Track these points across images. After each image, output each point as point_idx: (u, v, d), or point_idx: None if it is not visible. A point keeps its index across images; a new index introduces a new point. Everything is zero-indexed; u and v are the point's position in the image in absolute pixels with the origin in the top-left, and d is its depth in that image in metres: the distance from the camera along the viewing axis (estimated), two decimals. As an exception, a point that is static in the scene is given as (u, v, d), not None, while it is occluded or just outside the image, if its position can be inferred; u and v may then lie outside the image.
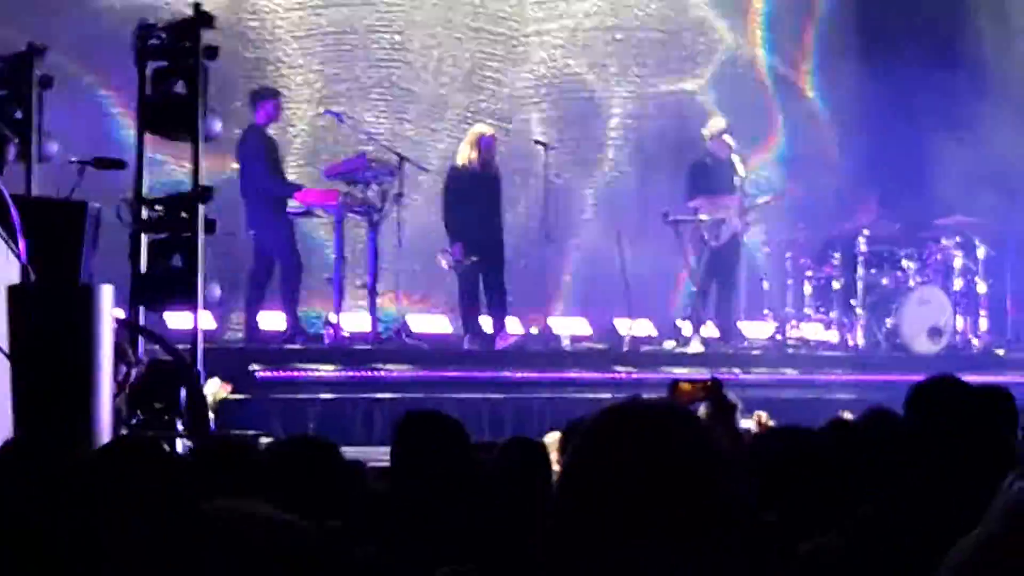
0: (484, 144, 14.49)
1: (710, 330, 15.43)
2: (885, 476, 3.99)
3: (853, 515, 3.67)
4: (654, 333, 15.95)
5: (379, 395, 12.80)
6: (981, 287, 16.50)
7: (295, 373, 12.88)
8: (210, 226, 10.24)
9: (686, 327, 15.36)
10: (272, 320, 14.03)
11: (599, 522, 2.26)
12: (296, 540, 2.25)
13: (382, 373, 13.23)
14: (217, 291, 10.73)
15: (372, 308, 14.09)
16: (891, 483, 3.81)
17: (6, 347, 7.19)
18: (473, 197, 14.34)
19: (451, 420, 5.29)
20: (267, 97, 14.01)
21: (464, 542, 4.38)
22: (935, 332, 15.61)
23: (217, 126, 10.52)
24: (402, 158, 14.19)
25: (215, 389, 10.92)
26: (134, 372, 9.46)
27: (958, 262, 16.37)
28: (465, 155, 14.50)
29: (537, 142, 14.85)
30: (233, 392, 11.61)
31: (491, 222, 14.45)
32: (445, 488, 4.76)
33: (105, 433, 7.51)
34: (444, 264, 14.51)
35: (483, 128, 14.78)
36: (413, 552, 4.27)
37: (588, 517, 2.28)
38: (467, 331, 14.47)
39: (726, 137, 15.41)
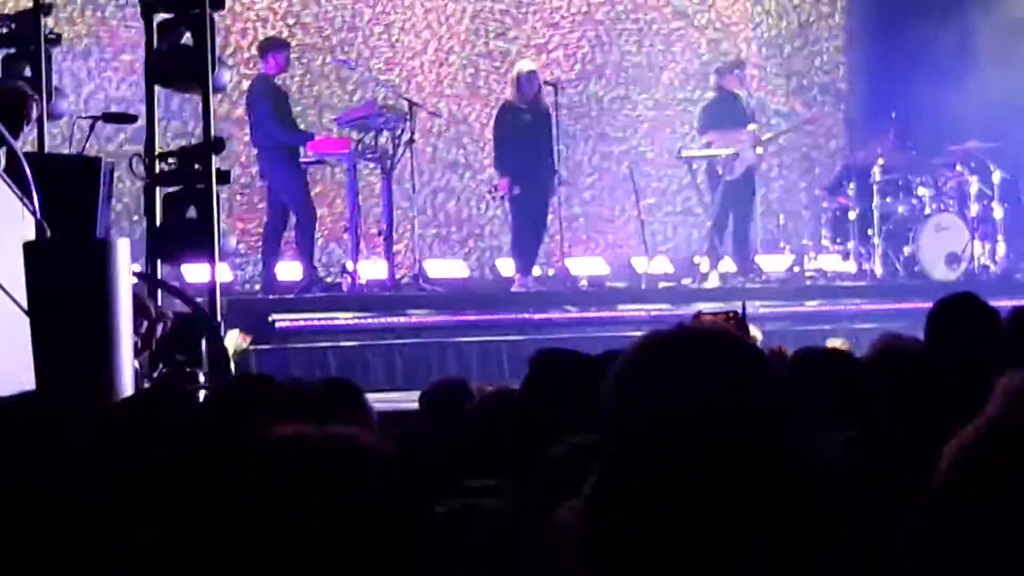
0: (522, 80, 14.47)
1: (728, 265, 15.40)
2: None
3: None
4: (671, 270, 15.92)
5: (398, 341, 12.81)
6: (998, 212, 16.43)
7: (314, 322, 12.88)
8: (223, 177, 10.23)
9: (703, 263, 15.33)
10: (289, 270, 14.01)
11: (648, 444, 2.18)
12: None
13: (400, 320, 13.23)
14: (232, 242, 10.72)
15: (388, 255, 14.08)
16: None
17: (24, 304, 7.18)
18: (519, 133, 14.32)
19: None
20: (276, 47, 13.93)
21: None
22: (953, 258, 15.57)
23: (226, 76, 10.48)
24: (412, 104, 14.15)
25: (235, 340, 10.93)
26: (159, 327, 9.45)
27: (973, 188, 16.31)
28: (513, 92, 14.51)
29: (545, 83, 14.78)
30: (253, 343, 11.62)
31: (539, 158, 14.41)
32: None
33: (127, 387, 7.51)
34: (490, 198, 14.55)
35: (523, 64, 14.73)
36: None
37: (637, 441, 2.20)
38: (521, 271, 14.50)
39: (738, 71, 15.35)
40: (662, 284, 15.30)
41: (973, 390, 3.65)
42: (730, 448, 2.11)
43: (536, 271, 14.77)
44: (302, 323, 12.78)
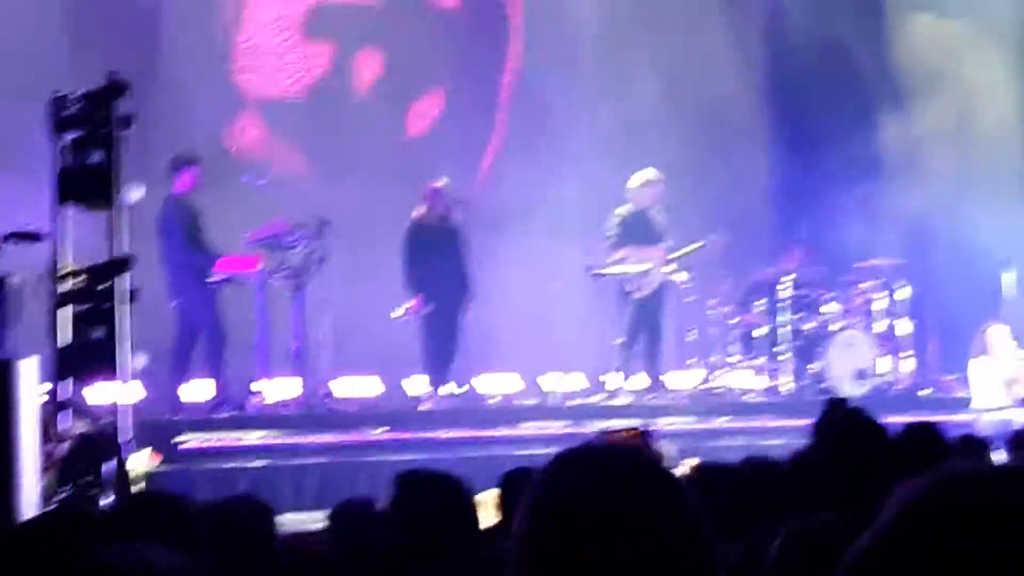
0: (431, 196, 14.53)
1: (638, 381, 15.44)
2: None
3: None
4: (581, 387, 15.94)
5: (307, 461, 12.71)
6: (904, 328, 16.62)
7: (222, 442, 12.75)
8: (133, 295, 10.17)
9: (613, 380, 15.36)
10: (198, 390, 13.89)
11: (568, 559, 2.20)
12: None
13: (310, 439, 13.12)
14: (143, 360, 10.63)
15: (299, 373, 14.01)
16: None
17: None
18: (430, 250, 14.37)
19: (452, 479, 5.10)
20: (186, 164, 13.87)
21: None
22: (861, 375, 15.71)
23: (134, 195, 10.44)
24: (324, 221, 14.14)
25: (144, 460, 10.80)
26: (61, 447, 9.34)
27: (880, 304, 16.50)
28: (423, 210, 14.56)
29: (456, 200, 14.83)
30: (162, 463, 11.49)
31: (450, 275, 14.46)
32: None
33: (31, 508, 7.40)
34: (402, 317, 14.54)
35: (439, 182, 14.79)
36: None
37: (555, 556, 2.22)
38: (434, 385, 14.51)
39: (651, 187, 15.45)
40: (572, 401, 15.31)
41: (854, 499, 3.68)
42: (644, 563, 2.13)
43: (446, 389, 14.74)
44: (209, 444, 12.65)
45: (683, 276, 15.82)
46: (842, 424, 3.95)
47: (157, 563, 2.14)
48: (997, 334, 14.99)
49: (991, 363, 14.85)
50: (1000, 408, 14.48)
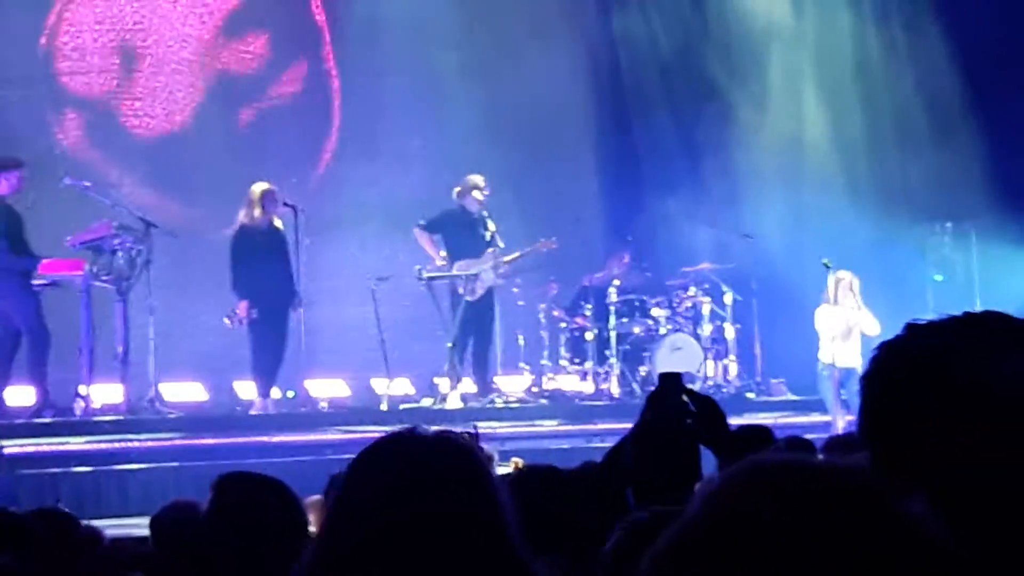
0: (267, 201, 14.43)
1: (467, 385, 15.46)
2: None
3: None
4: (412, 391, 15.93)
5: (133, 466, 12.53)
6: (730, 332, 16.84)
7: (45, 448, 12.52)
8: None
9: (443, 383, 15.36)
10: (21, 394, 13.64)
11: (368, 552, 2.18)
12: None
13: (136, 444, 12.95)
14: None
15: (125, 378, 13.82)
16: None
17: None
18: (257, 255, 14.24)
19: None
20: (9, 167, 13.61)
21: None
22: (688, 378, 15.82)
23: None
24: (148, 224, 13.96)
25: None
26: None
27: (706, 308, 16.71)
28: (249, 214, 14.40)
29: (286, 204, 14.72)
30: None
31: (278, 280, 14.36)
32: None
33: None
34: (228, 323, 14.38)
35: (264, 185, 14.63)
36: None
37: (357, 547, 2.20)
38: (261, 394, 14.40)
39: (476, 193, 15.47)
40: (403, 405, 15.29)
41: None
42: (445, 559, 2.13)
43: (276, 393, 14.64)
44: (32, 449, 12.41)
45: (510, 280, 15.89)
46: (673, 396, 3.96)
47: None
48: (846, 283, 15.22)
49: (837, 312, 15.06)
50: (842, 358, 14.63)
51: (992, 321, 1.96)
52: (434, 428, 2.57)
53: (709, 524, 1.51)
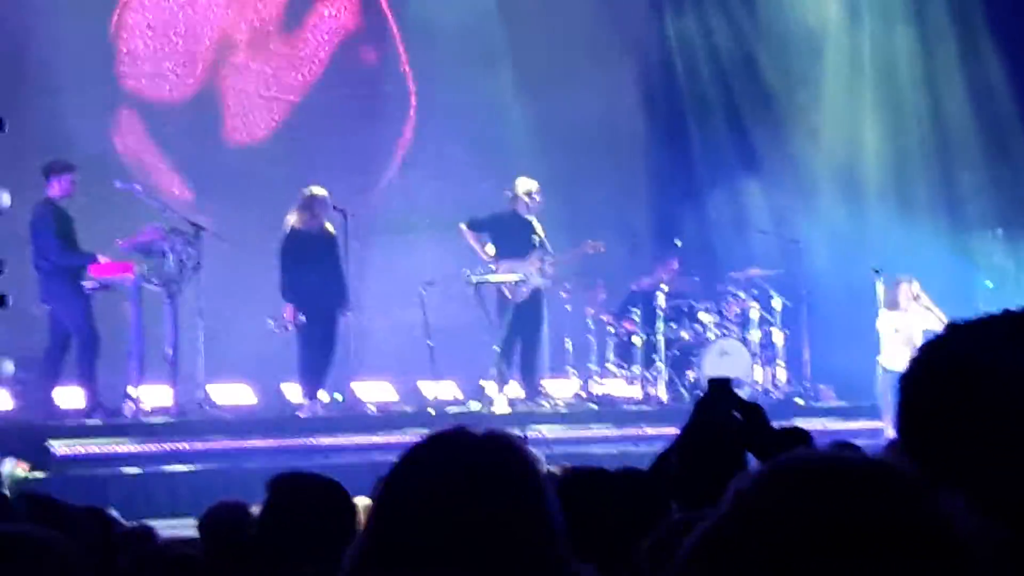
0: (320, 205, 14.47)
1: (515, 389, 15.45)
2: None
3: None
4: (459, 395, 15.92)
5: (182, 468, 12.59)
6: (778, 338, 16.78)
7: (95, 449, 12.59)
8: (2, 301, 10.00)
9: (490, 387, 15.37)
10: (72, 396, 13.71)
11: (414, 550, 2.18)
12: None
13: (185, 446, 13.00)
14: (9, 367, 10.47)
15: (174, 380, 13.88)
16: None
17: None
18: (306, 259, 14.29)
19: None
20: (60, 170, 13.68)
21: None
22: (736, 384, 15.78)
23: (2, 200, 10.28)
24: (198, 228, 14.02)
25: (11, 468, 10.64)
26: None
27: (755, 314, 16.65)
28: (301, 217, 14.46)
29: (336, 208, 14.76)
30: (32, 470, 11.32)
31: (326, 284, 14.40)
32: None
33: None
34: (273, 326, 14.43)
35: (317, 190, 14.68)
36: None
37: (403, 544, 2.19)
38: (308, 396, 14.45)
39: (526, 196, 15.47)
40: (450, 409, 15.28)
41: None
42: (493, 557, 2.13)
43: (324, 396, 14.67)
44: (83, 451, 12.48)
45: (559, 285, 15.90)
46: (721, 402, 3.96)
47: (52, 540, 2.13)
48: (908, 289, 15.24)
49: (900, 317, 15.05)
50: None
51: None
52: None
53: (740, 518, 1.52)
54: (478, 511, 2.18)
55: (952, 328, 1.98)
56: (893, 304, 15.36)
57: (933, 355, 1.95)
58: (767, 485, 1.54)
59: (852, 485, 1.52)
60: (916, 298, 15.30)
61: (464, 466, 2.24)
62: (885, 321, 15.30)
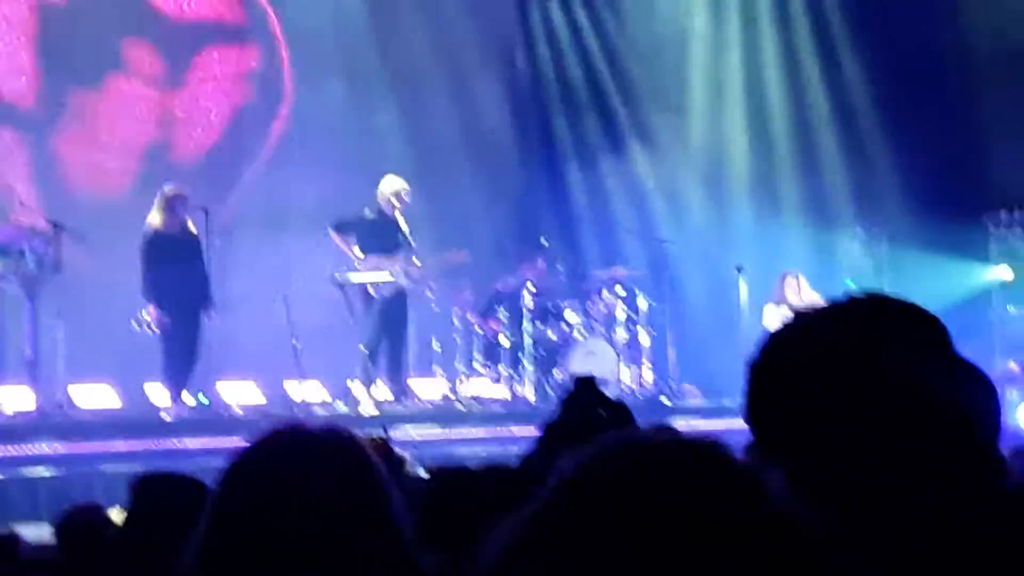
0: (174, 204, 14.29)
1: (381, 389, 15.39)
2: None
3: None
4: (326, 395, 15.82)
5: (43, 472, 12.38)
6: (644, 338, 16.86)
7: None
8: None
9: (357, 387, 15.29)
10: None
11: (251, 548, 2.15)
12: None
13: (46, 449, 12.79)
14: None
15: (34, 382, 13.66)
16: None
17: None
18: (172, 258, 14.12)
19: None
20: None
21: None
22: (602, 383, 15.85)
23: None
24: (57, 226, 13.80)
25: None
26: None
27: (620, 313, 16.72)
28: (161, 217, 14.27)
29: (197, 207, 14.60)
30: None
31: (188, 284, 14.24)
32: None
33: None
34: (137, 327, 14.25)
35: (173, 188, 14.49)
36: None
37: (239, 542, 2.16)
38: (172, 398, 14.28)
39: (398, 196, 15.40)
40: (317, 410, 15.19)
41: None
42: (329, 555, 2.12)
43: (188, 398, 14.52)
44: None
45: (424, 285, 15.87)
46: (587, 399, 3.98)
47: None
48: (795, 283, 15.42)
49: (786, 311, 15.22)
50: None
51: (875, 305, 1.97)
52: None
53: (555, 507, 1.51)
54: (314, 507, 2.17)
55: (796, 315, 2.00)
56: (780, 298, 15.55)
57: (773, 342, 1.97)
58: (591, 468, 1.53)
59: (669, 465, 1.53)
60: (800, 292, 15.50)
61: (300, 462, 2.22)
62: (771, 315, 15.46)
